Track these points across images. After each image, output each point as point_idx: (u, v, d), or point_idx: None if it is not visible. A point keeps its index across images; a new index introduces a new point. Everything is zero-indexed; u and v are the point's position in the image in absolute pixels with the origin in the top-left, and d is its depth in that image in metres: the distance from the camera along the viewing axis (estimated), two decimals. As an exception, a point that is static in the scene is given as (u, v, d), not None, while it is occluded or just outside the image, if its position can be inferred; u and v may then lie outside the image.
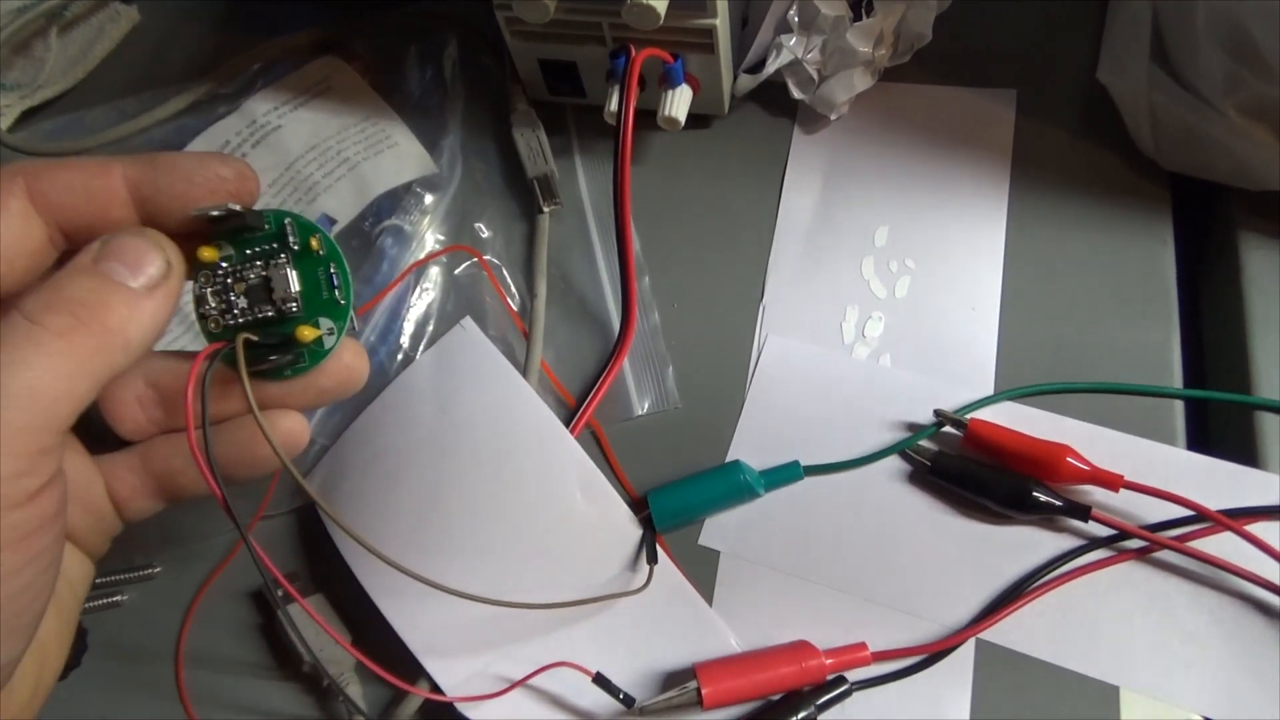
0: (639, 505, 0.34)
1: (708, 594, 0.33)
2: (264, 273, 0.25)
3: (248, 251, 0.25)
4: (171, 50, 0.47)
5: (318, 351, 0.26)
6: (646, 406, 0.37)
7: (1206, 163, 0.36)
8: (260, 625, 0.35)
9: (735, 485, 0.34)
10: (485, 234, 0.40)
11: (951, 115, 0.40)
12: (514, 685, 0.31)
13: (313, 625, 0.33)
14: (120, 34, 0.48)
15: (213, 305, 0.25)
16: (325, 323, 0.26)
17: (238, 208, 0.24)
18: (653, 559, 0.33)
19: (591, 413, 0.36)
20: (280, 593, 0.34)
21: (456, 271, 0.39)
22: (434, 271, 0.39)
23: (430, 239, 0.39)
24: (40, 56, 0.47)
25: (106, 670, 0.35)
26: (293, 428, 0.25)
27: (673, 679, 0.32)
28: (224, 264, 0.25)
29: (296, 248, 0.26)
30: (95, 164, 0.23)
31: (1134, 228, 0.37)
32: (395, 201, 0.39)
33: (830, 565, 0.33)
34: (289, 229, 0.26)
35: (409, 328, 0.38)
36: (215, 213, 0.24)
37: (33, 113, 0.46)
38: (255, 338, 0.25)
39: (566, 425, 0.35)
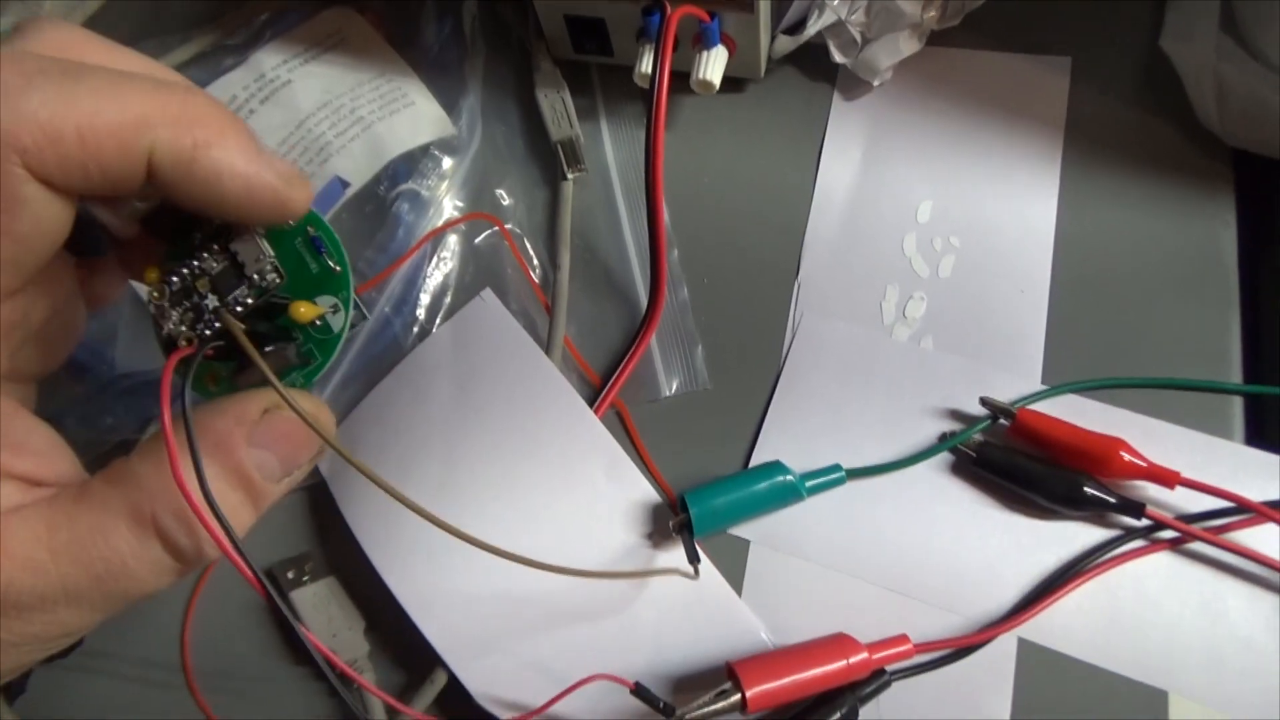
0: (676, 508, 0.33)
1: (736, 584, 0.32)
2: (227, 251, 0.21)
3: (201, 250, 0.21)
4: (174, -5, 0.45)
5: (327, 339, 0.22)
6: (675, 387, 0.35)
7: (1275, 139, 0.34)
8: (269, 607, 0.34)
9: (778, 491, 0.32)
10: (506, 201, 0.38)
11: (1002, 84, 0.38)
12: (551, 702, 0.29)
13: (324, 611, 0.32)
14: (120, -22, 0.45)
15: (176, 319, 0.21)
16: (325, 299, 0.21)
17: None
18: (694, 559, 0.31)
19: (617, 392, 0.35)
20: (290, 574, 0.33)
21: (476, 240, 0.37)
22: (452, 240, 0.37)
23: (448, 205, 0.37)
24: (35, 1, 0.45)
25: (110, 651, 0.33)
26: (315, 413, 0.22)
27: (705, 676, 0.30)
28: (177, 274, 0.21)
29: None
30: (118, 138, 0.18)
31: (1194, 207, 0.35)
32: (412, 165, 0.37)
33: (865, 557, 0.32)
34: None
35: (425, 299, 0.36)
36: (140, 204, 0.21)
37: (28, 62, 0.44)
38: (243, 326, 0.21)
39: (590, 405, 0.34)
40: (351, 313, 0.22)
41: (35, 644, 0.19)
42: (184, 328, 0.21)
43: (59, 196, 0.19)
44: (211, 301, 0.20)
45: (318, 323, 0.22)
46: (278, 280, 0.21)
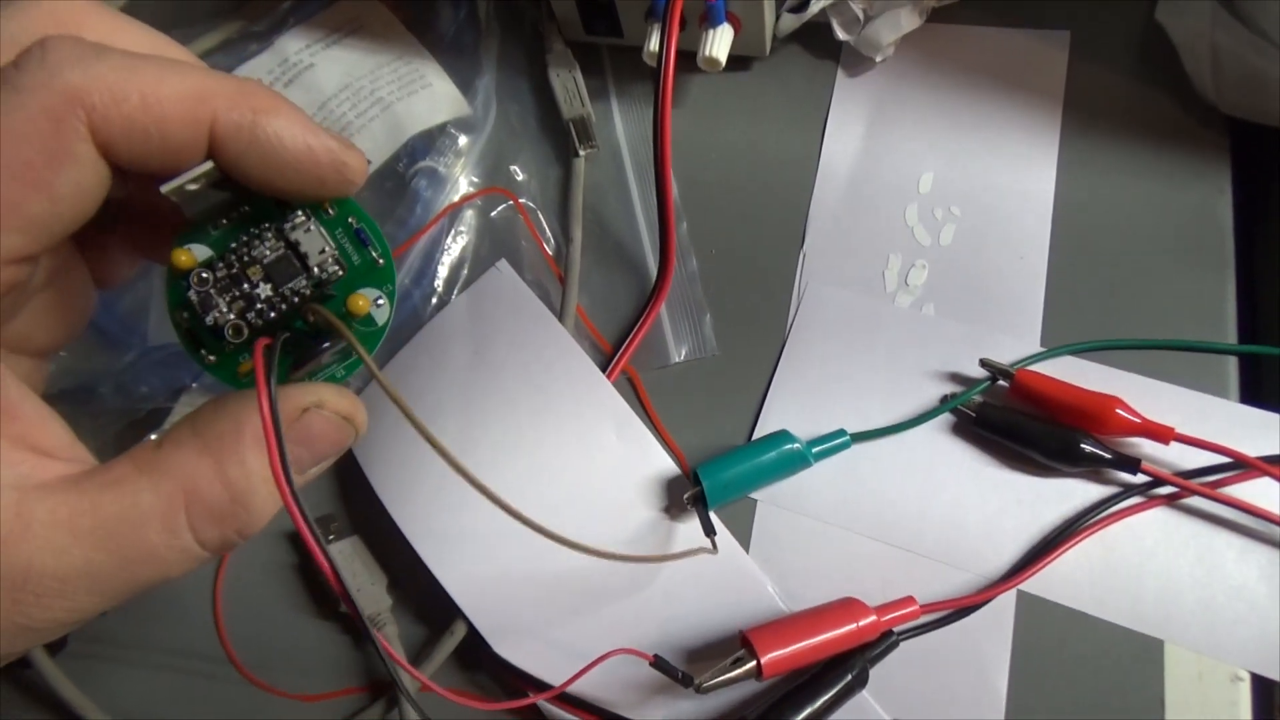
0: (685, 468, 0.34)
1: (744, 542, 0.33)
2: (283, 240, 0.20)
3: (233, 244, 0.20)
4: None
5: (370, 332, 0.21)
6: (683, 354, 0.36)
7: (1269, 108, 0.35)
8: (296, 565, 0.35)
9: (786, 460, 0.33)
10: (520, 177, 0.39)
11: (1001, 58, 0.39)
12: (572, 680, 0.29)
13: (348, 568, 0.33)
14: (148, -29, 0.47)
15: (225, 309, 0.20)
16: (369, 292, 0.21)
17: (217, 167, 0.20)
18: (710, 531, 0.31)
19: (628, 359, 0.36)
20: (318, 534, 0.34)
21: (492, 215, 0.38)
22: (469, 215, 0.38)
23: (464, 182, 0.39)
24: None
25: (143, 606, 0.35)
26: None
27: (716, 638, 0.31)
28: (218, 261, 0.20)
29: (300, 212, 0.21)
30: (181, 106, 0.19)
31: (1190, 175, 0.36)
32: (429, 143, 0.39)
33: (870, 515, 0.33)
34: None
35: (443, 271, 0.37)
36: (191, 185, 0.20)
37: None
38: (310, 317, 0.20)
39: (602, 371, 0.35)
40: (394, 307, 0.22)
41: (53, 627, 0.19)
42: (232, 316, 0.20)
43: (104, 167, 0.19)
44: (264, 290, 0.20)
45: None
46: (339, 273, 0.20)
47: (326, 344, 0.21)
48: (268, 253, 0.20)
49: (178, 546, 0.20)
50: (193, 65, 0.20)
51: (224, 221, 0.21)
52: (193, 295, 0.20)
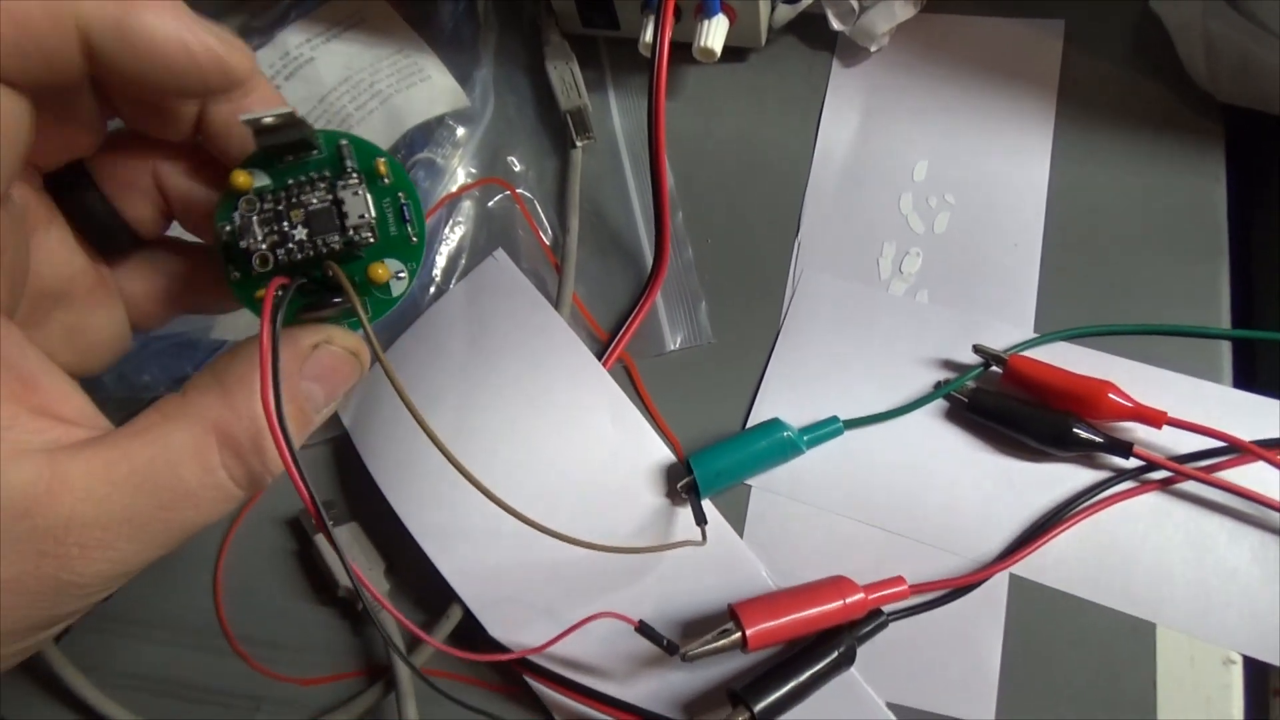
0: (680, 455, 0.34)
1: (738, 526, 0.33)
2: (331, 195, 0.21)
3: (290, 181, 0.22)
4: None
5: (384, 300, 0.22)
6: (679, 341, 0.37)
7: (1263, 94, 0.35)
8: (296, 551, 0.35)
9: (779, 447, 0.33)
10: (518, 168, 0.39)
11: (996, 47, 0.39)
12: (557, 638, 0.30)
13: (347, 554, 0.34)
14: (153, -31, 0.48)
15: (259, 238, 0.21)
16: (394, 264, 0.22)
17: (296, 112, 0.20)
18: (701, 520, 0.32)
19: (624, 346, 0.36)
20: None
21: (489, 205, 0.39)
22: (466, 205, 0.39)
23: (462, 173, 0.39)
24: None
25: (145, 593, 0.35)
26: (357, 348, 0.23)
27: (708, 619, 0.32)
28: (269, 194, 0.21)
29: (355, 175, 0.22)
30: (44, 11, 0.18)
31: (1185, 163, 0.36)
32: (427, 134, 0.39)
33: (863, 501, 0.33)
34: (345, 152, 0.22)
35: (441, 261, 0.38)
36: (268, 120, 0.20)
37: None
38: (329, 272, 0.21)
39: (598, 359, 0.35)
40: (413, 284, 0.23)
41: (96, 583, 0.19)
42: (264, 246, 0.21)
43: (6, 89, 0.18)
44: (300, 234, 0.21)
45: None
46: (371, 240, 0.22)
47: (337, 300, 0.22)
48: (314, 201, 0.21)
49: (212, 484, 0.20)
50: None
51: (289, 159, 0.22)
52: (236, 217, 0.21)
